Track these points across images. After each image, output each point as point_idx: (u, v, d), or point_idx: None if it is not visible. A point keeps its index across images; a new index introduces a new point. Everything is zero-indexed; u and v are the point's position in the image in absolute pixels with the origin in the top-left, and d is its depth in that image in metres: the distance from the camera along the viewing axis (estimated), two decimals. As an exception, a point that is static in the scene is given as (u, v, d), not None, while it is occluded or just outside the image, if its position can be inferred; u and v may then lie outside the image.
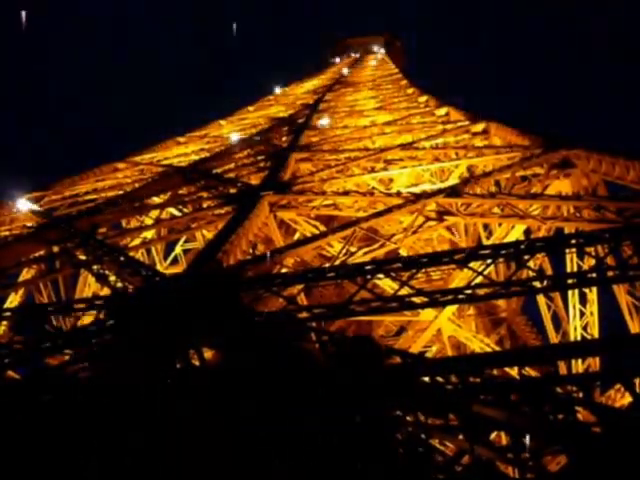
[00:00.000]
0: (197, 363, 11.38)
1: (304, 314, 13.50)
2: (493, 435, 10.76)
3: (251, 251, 20.03)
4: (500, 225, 21.26)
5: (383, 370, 9.32)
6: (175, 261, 31.84)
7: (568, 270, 19.32)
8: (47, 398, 10.93)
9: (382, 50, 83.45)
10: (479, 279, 14.38)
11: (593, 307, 21.16)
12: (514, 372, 16.19)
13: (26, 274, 22.10)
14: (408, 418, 9.16)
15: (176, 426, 9.45)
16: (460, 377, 9.19)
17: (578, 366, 19.26)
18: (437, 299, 13.68)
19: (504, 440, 12.15)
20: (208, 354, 12.05)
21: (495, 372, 10.80)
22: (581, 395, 8.87)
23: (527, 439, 8.55)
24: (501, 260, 15.87)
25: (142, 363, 11.17)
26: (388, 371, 9.40)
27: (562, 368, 19.73)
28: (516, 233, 20.46)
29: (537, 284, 14.50)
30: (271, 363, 9.93)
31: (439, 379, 9.20)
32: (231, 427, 8.98)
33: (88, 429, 9.58)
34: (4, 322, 18.92)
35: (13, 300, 21.74)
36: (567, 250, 17.27)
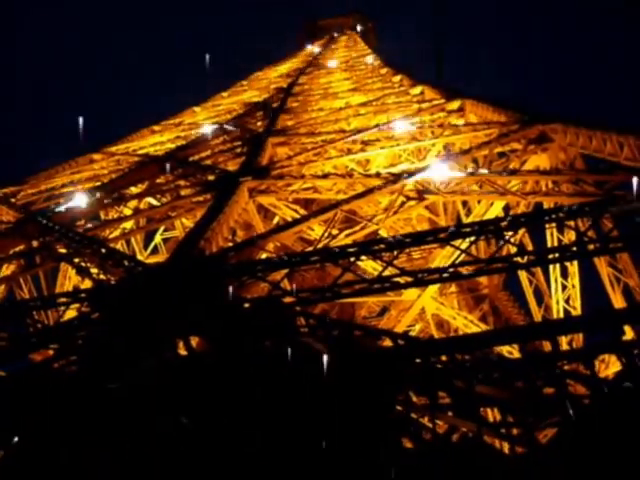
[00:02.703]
0: (184, 352, 11.37)
1: (289, 299, 13.51)
2: (484, 412, 10.85)
3: (231, 237, 19.98)
4: (479, 202, 21.35)
5: (375, 353, 9.35)
6: (155, 250, 31.65)
7: (549, 244, 19.42)
8: (36, 394, 10.87)
9: (356, 30, 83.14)
10: (462, 257, 14.47)
11: (575, 280, 21.31)
12: (503, 349, 16.32)
13: (6, 270, 21.88)
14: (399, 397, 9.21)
15: (167, 417, 9.43)
16: (450, 356, 9.25)
17: (562, 339, 19.40)
18: (421, 278, 13.75)
19: (491, 417, 12.29)
20: (195, 342, 12.04)
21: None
22: (568, 368, 8.96)
23: (517, 414, 8.62)
24: (482, 237, 15.94)
25: (129, 355, 11.11)
26: (379, 353, 9.44)
27: (547, 344, 19.88)
28: (495, 210, 20.56)
29: (519, 259, 14.61)
30: (260, 350, 9.93)
31: (430, 359, 9.26)
32: (224, 415, 8.99)
33: (80, 425, 9.54)
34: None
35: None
36: (547, 225, 17.35)
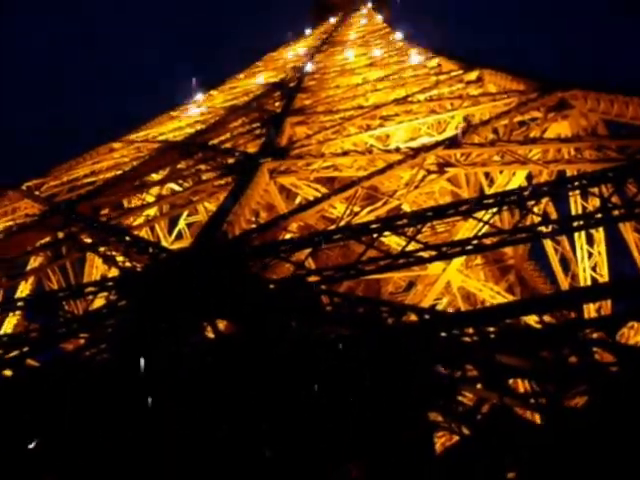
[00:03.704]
0: (212, 336, 11.45)
1: (314, 278, 13.53)
2: (511, 382, 10.84)
3: (254, 219, 20.04)
4: (501, 173, 21.18)
5: (401, 329, 9.37)
6: (179, 236, 31.79)
7: (573, 212, 19.26)
8: (69, 383, 11.01)
9: (369, 5, 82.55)
10: (485, 228, 14.39)
11: (601, 247, 21.11)
12: (529, 318, 16.22)
13: (34, 262, 22.15)
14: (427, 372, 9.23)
15: (199, 401, 9.53)
16: (476, 328, 9.25)
17: (590, 307, 19.29)
18: (445, 252, 13.69)
19: (521, 387, 12.27)
20: (222, 325, 12.12)
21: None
22: (597, 336, 8.92)
23: (545, 383, 8.61)
24: (505, 208, 15.84)
25: (156, 340, 11.22)
26: (406, 330, 9.46)
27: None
28: (518, 180, 20.40)
29: (543, 229, 14.50)
30: (286, 332, 9.99)
31: (455, 332, 9.26)
32: (252, 397, 9.06)
33: (111, 412, 9.67)
34: (17, 312, 19.04)
35: (24, 289, 21.85)
36: (571, 192, 17.19)
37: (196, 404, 9.28)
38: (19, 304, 19.32)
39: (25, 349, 13.66)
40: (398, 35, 54.56)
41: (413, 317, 9.90)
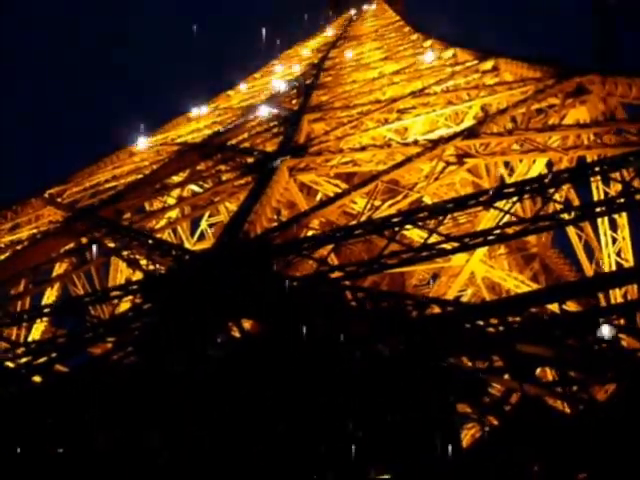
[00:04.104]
0: (237, 335, 11.52)
1: (337, 274, 13.56)
2: (538, 372, 10.79)
3: (276, 217, 20.09)
4: (521, 161, 21.07)
5: (422, 321, 9.38)
6: (202, 237, 31.95)
7: (595, 198, 19.13)
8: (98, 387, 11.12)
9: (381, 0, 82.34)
10: (507, 218, 14.35)
11: (624, 232, 20.97)
12: (554, 307, 16.14)
13: (59, 268, 22.36)
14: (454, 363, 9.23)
15: (225, 402, 9.59)
16: (500, 318, 9.23)
17: (616, 294, 19.16)
18: (467, 243, 13.65)
19: (549, 376, 12.20)
20: (247, 325, 12.18)
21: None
22: (623, 323, 8.87)
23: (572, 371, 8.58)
24: (527, 196, 15.78)
25: (184, 341, 11.30)
26: (430, 322, 9.45)
27: (600, 297, 19.65)
28: (538, 167, 20.29)
29: (565, 216, 14.41)
30: (309, 330, 10.01)
31: (480, 323, 9.24)
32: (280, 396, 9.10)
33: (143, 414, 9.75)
34: (45, 318, 19.23)
35: (50, 295, 22.04)
36: (592, 178, 17.07)
37: (222, 405, 9.33)
38: (46, 310, 19.51)
39: (53, 355, 13.80)
40: (411, 26, 54.36)
41: (436, 309, 9.90)
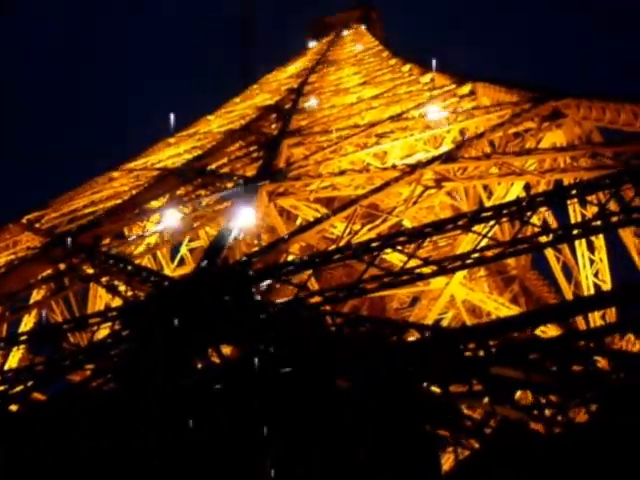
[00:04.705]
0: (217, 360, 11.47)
1: (316, 299, 13.55)
2: (520, 395, 10.83)
3: (256, 242, 20.08)
4: (499, 184, 21.24)
5: (400, 347, 9.39)
6: (182, 262, 31.82)
7: (572, 220, 19.29)
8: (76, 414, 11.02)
9: (362, 26, 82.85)
10: (485, 241, 14.43)
11: (602, 253, 21.15)
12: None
13: (37, 295, 22.14)
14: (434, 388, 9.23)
15: (208, 424, 9.53)
16: (478, 343, 9.25)
17: (595, 316, 19.29)
18: (446, 266, 13.72)
19: (531, 398, 12.21)
20: (226, 350, 12.14)
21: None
22: (598, 345, 8.92)
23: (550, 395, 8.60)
24: (505, 219, 15.88)
25: (162, 368, 11.24)
26: (406, 347, 9.46)
27: (579, 319, 19.76)
28: (516, 190, 20.46)
29: (543, 238, 14.53)
30: (287, 353, 9.99)
31: (458, 347, 9.26)
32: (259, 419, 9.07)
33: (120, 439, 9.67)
34: (22, 345, 19.04)
35: (28, 322, 21.83)
36: (569, 201, 17.21)
37: (200, 431, 9.28)
38: (23, 338, 19.32)
39: (30, 383, 13.66)
40: (390, 52, 54.77)
41: (415, 334, 9.91)
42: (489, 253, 14.21)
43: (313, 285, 16.54)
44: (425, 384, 8.98)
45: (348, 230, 18.34)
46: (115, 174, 34.34)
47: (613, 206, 14.47)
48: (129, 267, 18.06)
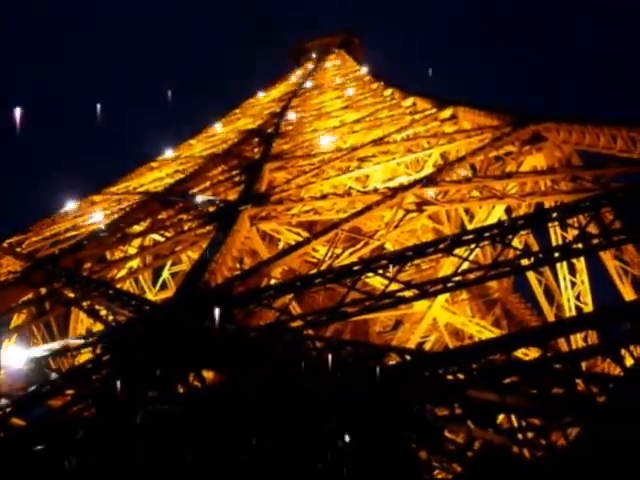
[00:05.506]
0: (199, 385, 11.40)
1: (298, 323, 13.53)
2: (502, 419, 10.80)
3: (238, 266, 20.02)
4: (481, 207, 21.37)
5: (381, 372, 9.36)
6: (164, 286, 31.74)
7: (553, 243, 19.39)
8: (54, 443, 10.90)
9: (342, 50, 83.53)
10: (466, 264, 14.47)
11: (583, 276, 21.29)
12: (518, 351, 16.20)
13: (17, 319, 22.00)
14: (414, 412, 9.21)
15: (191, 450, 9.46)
16: (459, 366, 9.25)
17: (577, 338, 19.35)
18: (427, 290, 13.74)
19: (515, 422, 12.22)
20: (208, 375, 12.06)
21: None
22: (577, 368, 8.94)
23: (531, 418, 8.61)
24: (486, 242, 15.94)
25: (143, 393, 11.16)
26: (387, 372, 9.45)
27: (562, 341, 19.80)
28: (497, 213, 20.60)
29: (525, 261, 14.59)
30: (268, 379, 9.96)
31: (439, 371, 9.26)
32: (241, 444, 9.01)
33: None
34: (2, 370, 18.83)
35: (7, 347, 21.62)
36: (550, 224, 17.33)
37: (181, 458, 9.20)
38: (3, 363, 19.11)
39: (9, 409, 13.51)
40: (371, 76, 55.19)
41: (395, 358, 9.90)
42: (471, 276, 14.25)
43: (295, 309, 16.51)
44: (407, 407, 8.96)
45: (330, 254, 18.36)
46: (97, 198, 34.26)
47: (593, 229, 14.57)
48: (110, 291, 17.97)
